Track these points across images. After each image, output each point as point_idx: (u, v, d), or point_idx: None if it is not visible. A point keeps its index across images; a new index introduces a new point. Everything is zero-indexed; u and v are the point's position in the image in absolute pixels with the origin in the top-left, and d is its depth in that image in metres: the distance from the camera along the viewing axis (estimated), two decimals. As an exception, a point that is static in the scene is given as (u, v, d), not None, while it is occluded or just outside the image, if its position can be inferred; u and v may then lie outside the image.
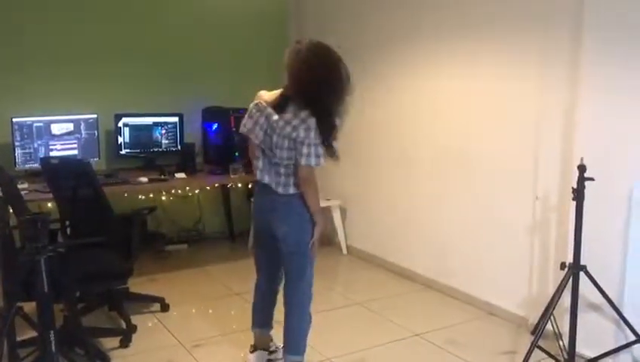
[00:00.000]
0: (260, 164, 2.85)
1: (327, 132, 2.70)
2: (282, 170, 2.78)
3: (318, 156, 2.68)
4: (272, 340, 3.21)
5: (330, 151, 2.76)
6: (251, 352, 3.15)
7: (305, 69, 2.67)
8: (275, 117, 2.73)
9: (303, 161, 2.68)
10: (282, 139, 2.71)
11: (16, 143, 4.44)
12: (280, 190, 2.79)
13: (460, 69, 3.95)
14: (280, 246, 2.88)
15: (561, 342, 2.97)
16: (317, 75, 2.67)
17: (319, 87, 2.67)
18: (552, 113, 3.31)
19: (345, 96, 2.71)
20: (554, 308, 2.98)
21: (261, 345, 3.15)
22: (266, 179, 2.82)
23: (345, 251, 5.20)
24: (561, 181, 3.29)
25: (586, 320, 3.03)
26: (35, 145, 4.51)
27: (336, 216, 5.15)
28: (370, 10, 4.74)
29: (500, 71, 3.66)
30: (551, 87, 3.30)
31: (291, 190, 2.79)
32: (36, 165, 4.34)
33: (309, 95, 2.68)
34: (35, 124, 4.50)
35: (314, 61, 2.67)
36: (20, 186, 3.78)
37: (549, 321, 2.97)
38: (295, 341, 2.92)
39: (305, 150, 2.66)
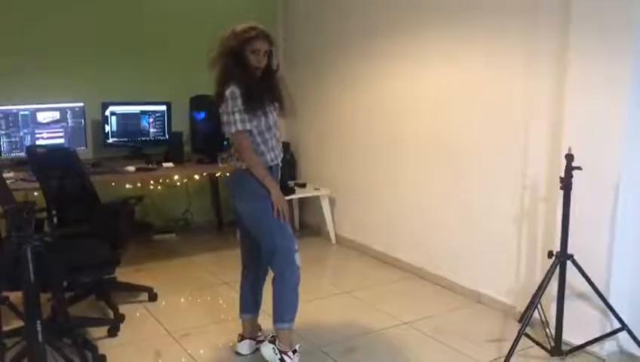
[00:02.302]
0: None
1: (250, 95, 2.80)
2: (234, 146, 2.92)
3: (235, 122, 2.79)
4: (260, 329, 3.22)
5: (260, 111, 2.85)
6: (239, 341, 3.16)
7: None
8: None
9: (226, 130, 2.84)
10: (221, 115, 2.88)
11: (2, 132, 4.39)
12: (238, 165, 2.91)
13: (447, 57, 3.95)
14: (245, 223, 2.95)
15: (547, 330, 3.00)
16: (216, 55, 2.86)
17: (216, 60, 2.85)
18: (541, 102, 3.31)
19: (234, 49, 2.80)
20: (541, 297, 3.00)
21: (249, 333, 3.15)
22: (231, 157, 2.97)
23: (334, 241, 5.20)
24: (549, 170, 3.30)
25: (572, 308, 3.05)
26: (21, 134, 4.47)
27: (325, 206, 5.15)
28: (357, 3, 4.72)
29: (487, 59, 3.66)
30: (539, 76, 3.30)
31: (244, 164, 2.87)
32: (22, 154, 4.30)
33: (217, 71, 2.86)
34: (20, 113, 4.46)
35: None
36: (5, 175, 3.73)
37: (536, 309, 2.99)
38: (279, 310, 2.93)
39: (225, 119, 2.83)
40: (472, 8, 3.72)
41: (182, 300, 3.95)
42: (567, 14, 3.05)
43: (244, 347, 3.14)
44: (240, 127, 2.79)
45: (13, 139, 4.44)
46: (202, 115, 5.06)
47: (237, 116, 2.77)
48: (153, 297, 3.89)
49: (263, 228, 2.89)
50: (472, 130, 3.82)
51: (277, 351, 2.93)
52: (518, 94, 3.47)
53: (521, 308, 3.46)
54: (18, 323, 2.83)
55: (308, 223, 5.60)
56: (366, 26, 4.64)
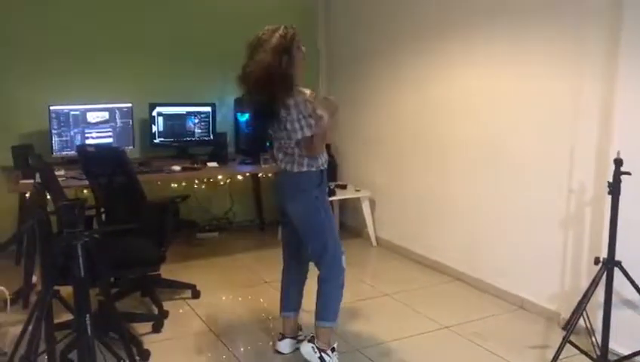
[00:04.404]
0: (274, 149, 3.01)
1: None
2: (289, 150, 2.90)
3: (310, 126, 2.80)
4: (301, 329, 3.24)
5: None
6: (280, 340, 3.19)
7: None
8: None
9: (299, 135, 2.82)
10: (280, 122, 2.84)
11: (54, 131, 4.54)
12: (289, 168, 2.92)
13: (494, 60, 3.89)
14: (295, 224, 2.97)
15: (593, 338, 2.93)
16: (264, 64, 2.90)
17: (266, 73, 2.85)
18: (589, 105, 3.24)
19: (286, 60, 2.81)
20: (587, 304, 2.93)
21: (289, 332, 3.18)
22: (279, 161, 2.97)
23: (374, 243, 5.19)
24: (596, 174, 3.23)
25: (620, 316, 2.98)
26: (72, 133, 4.61)
27: (366, 208, 5.14)
28: (403, 5, 4.71)
29: (535, 62, 3.59)
30: (587, 78, 3.23)
31: (296, 167, 2.90)
32: (72, 152, 4.44)
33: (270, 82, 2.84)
34: (71, 112, 4.60)
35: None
36: (56, 173, 3.85)
37: (582, 317, 2.92)
38: (324, 308, 2.98)
39: (297, 125, 2.80)
40: (520, 11, 3.66)
41: (223, 298, 4.01)
42: (618, 14, 2.98)
43: (285, 346, 3.17)
44: (316, 130, 2.83)
45: (64, 138, 4.59)
46: (246, 116, 5.13)
47: (311, 120, 2.81)
48: (196, 294, 3.96)
49: (315, 228, 2.93)
50: (519, 133, 3.76)
51: (316, 349, 2.96)
52: (567, 96, 3.40)
53: (565, 314, 3.39)
54: (67, 317, 2.93)
55: (348, 225, 5.60)
56: (411, 29, 4.61)
